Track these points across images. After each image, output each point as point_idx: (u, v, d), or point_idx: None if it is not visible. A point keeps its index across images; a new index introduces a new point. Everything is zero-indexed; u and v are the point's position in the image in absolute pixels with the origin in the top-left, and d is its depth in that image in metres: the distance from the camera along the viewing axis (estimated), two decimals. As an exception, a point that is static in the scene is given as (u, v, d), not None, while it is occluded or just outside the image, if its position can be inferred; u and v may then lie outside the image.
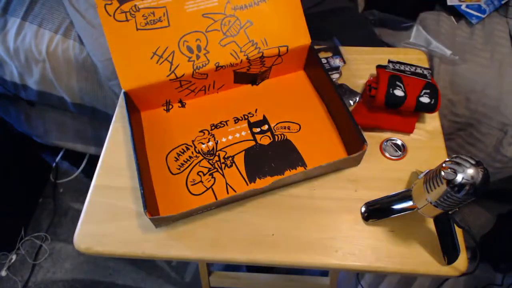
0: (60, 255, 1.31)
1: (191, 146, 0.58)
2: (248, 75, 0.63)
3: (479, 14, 1.03)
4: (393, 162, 0.59)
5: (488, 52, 0.98)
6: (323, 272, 0.98)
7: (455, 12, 1.04)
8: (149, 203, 0.48)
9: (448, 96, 0.96)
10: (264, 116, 0.61)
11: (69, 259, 1.30)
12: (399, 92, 0.60)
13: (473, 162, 0.40)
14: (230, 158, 0.57)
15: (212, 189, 0.54)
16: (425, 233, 0.52)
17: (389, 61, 0.64)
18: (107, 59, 0.92)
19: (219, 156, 0.57)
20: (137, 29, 0.55)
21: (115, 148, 0.60)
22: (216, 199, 0.53)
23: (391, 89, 0.60)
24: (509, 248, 1.14)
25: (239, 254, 0.51)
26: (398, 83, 0.61)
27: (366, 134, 0.62)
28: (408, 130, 0.62)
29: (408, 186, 0.56)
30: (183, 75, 0.57)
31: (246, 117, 0.61)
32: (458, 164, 0.40)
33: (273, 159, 0.57)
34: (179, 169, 0.56)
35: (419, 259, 0.50)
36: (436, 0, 1.08)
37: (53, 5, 1.03)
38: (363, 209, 0.54)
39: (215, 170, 0.56)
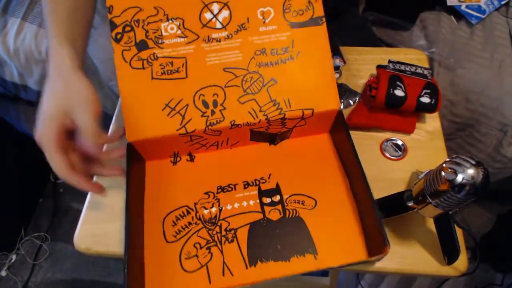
0: (60, 255, 1.31)
1: (192, 209, 0.53)
2: (266, 134, 0.57)
3: (478, 15, 1.03)
4: (393, 162, 0.59)
5: (488, 52, 0.98)
6: (323, 272, 0.98)
7: (456, 12, 1.04)
8: (134, 283, 0.44)
9: (448, 97, 0.96)
10: (277, 185, 0.55)
11: (69, 259, 1.30)
12: (399, 92, 0.60)
13: (473, 162, 0.40)
14: (232, 232, 0.51)
15: (207, 267, 0.49)
16: (425, 233, 0.52)
17: (389, 61, 0.64)
18: (107, 59, 0.92)
19: (220, 226, 0.51)
20: (152, 78, 0.51)
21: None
22: (210, 281, 0.48)
23: (391, 89, 0.60)
24: (509, 248, 1.14)
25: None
26: (398, 83, 0.61)
27: (366, 134, 0.62)
28: (409, 130, 0.62)
29: (408, 186, 0.56)
30: (194, 130, 0.52)
31: (257, 182, 0.55)
32: (458, 164, 0.40)
33: (280, 240, 0.50)
34: (175, 236, 0.51)
35: (419, 259, 0.50)
36: (436, 0, 1.08)
37: (53, 5, 1.03)
38: (363, 209, 0.54)
39: (214, 243, 0.50)
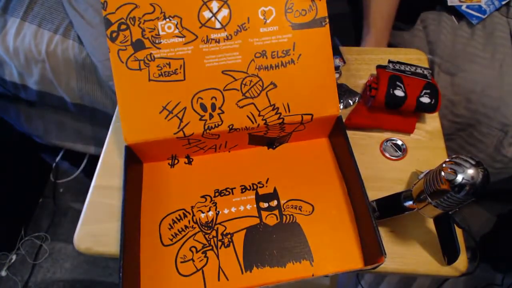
0: (60, 255, 1.31)
1: (189, 213, 0.52)
2: (265, 138, 0.57)
3: (479, 15, 1.02)
4: (393, 162, 0.59)
5: (489, 52, 0.98)
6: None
7: (456, 12, 1.04)
8: (129, 285, 0.44)
9: (449, 96, 0.96)
10: (275, 189, 0.54)
11: (69, 259, 1.30)
12: (399, 92, 0.60)
13: (473, 162, 0.39)
14: (229, 236, 0.51)
15: (203, 271, 0.48)
16: (425, 233, 0.52)
17: (389, 61, 0.64)
18: (107, 59, 0.92)
19: (217, 231, 0.51)
20: (149, 80, 0.50)
21: (115, 148, 0.60)
22: (205, 285, 0.48)
23: (391, 89, 0.60)
24: (509, 248, 1.14)
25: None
26: (398, 83, 0.61)
27: (366, 134, 0.62)
28: (409, 130, 0.62)
29: (408, 186, 0.56)
30: (192, 134, 0.51)
31: (255, 187, 0.55)
32: (458, 164, 0.40)
33: (276, 246, 0.50)
34: (171, 239, 0.50)
35: (419, 259, 0.50)
36: (437, 0, 1.08)
37: (52, 5, 1.03)
38: (363, 210, 0.54)
39: (210, 248, 0.50)
